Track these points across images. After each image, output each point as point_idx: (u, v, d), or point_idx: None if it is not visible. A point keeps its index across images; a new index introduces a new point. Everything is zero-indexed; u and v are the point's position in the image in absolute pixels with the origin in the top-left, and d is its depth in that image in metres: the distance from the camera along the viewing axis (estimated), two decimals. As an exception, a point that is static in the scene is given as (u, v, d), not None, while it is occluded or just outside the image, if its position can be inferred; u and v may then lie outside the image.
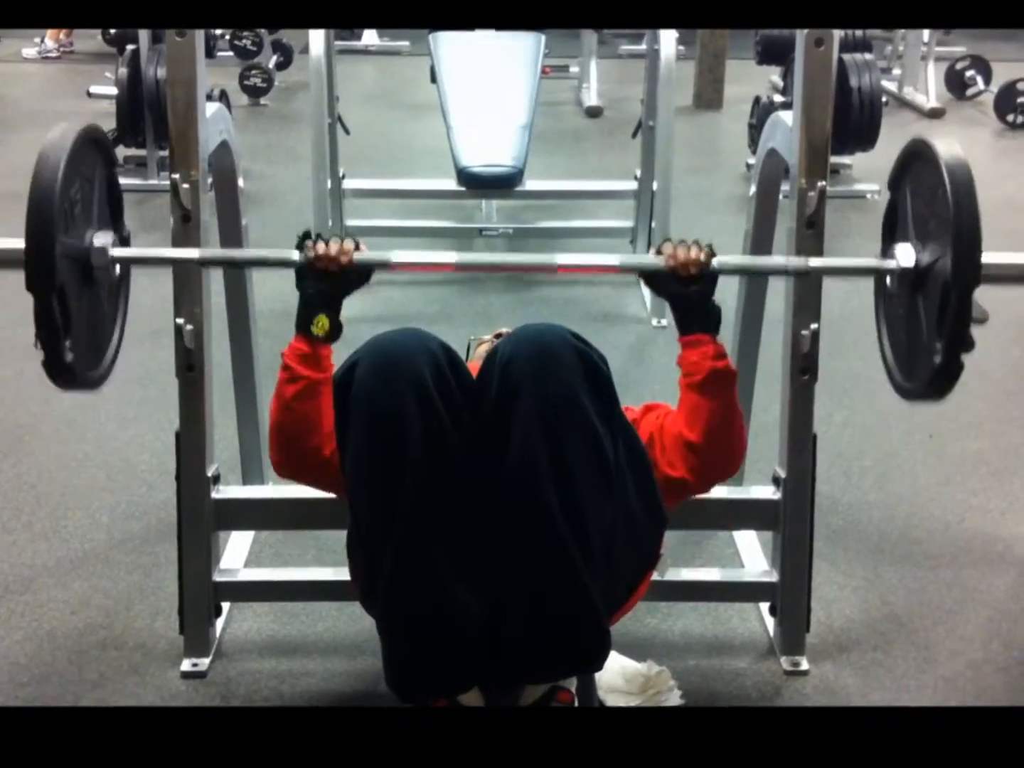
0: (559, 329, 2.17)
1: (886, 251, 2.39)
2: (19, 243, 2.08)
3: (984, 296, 2.15)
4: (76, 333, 2.16)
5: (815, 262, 2.51)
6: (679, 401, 2.41)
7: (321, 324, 2.32)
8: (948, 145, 2.17)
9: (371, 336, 2.22)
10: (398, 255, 2.40)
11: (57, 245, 2.07)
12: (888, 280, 2.36)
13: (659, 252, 2.38)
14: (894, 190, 2.42)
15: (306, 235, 2.36)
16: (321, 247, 2.32)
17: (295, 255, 2.34)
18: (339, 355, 2.32)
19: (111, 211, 2.40)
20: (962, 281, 2.10)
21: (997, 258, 2.21)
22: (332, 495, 2.39)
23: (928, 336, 2.18)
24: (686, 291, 2.37)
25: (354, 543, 2.29)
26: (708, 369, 2.35)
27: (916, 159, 2.31)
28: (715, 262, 2.35)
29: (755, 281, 3.10)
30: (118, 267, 2.36)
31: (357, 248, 2.34)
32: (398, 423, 2.09)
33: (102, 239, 2.28)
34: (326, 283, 2.33)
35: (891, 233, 2.42)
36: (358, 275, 2.36)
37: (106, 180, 2.37)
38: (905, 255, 2.28)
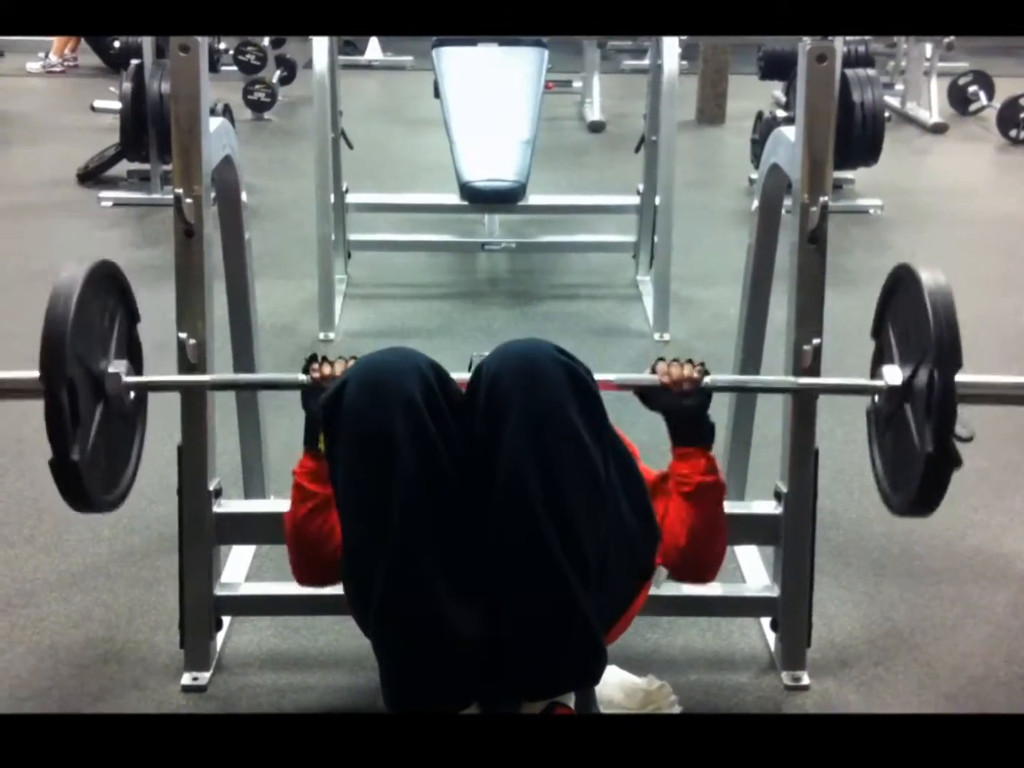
0: (544, 345, 2.18)
1: (875, 372, 2.51)
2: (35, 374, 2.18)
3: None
4: (86, 441, 2.24)
5: (805, 381, 2.61)
6: (671, 503, 2.49)
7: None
8: (928, 270, 2.29)
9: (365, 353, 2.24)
10: None
11: (69, 342, 2.15)
12: (877, 398, 2.47)
13: (654, 370, 2.49)
14: (879, 321, 2.54)
15: (312, 358, 2.45)
16: (327, 369, 2.40)
17: (302, 378, 2.43)
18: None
19: (128, 345, 2.50)
20: (944, 364, 2.18)
21: (976, 378, 2.31)
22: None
23: (918, 435, 2.26)
24: (681, 405, 2.47)
25: (346, 564, 2.29)
26: (697, 483, 2.45)
27: (895, 288, 2.45)
28: (707, 380, 2.46)
29: (757, 294, 3.11)
30: (133, 394, 2.45)
31: None
32: (388, 442, 2.09)
33: (117, 366, 2.38)
34: None
35: (879, 358, 2.53)
36: None
37: (124, 317, 2.47)
38: (892, 374, 2.39)
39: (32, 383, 2.17)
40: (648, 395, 2.52)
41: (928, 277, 2.25)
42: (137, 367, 2.50)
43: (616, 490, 2.24)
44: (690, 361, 2.49)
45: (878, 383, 2.42)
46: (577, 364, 2.17)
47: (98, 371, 2.32)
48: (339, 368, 2.38)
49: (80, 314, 2.18)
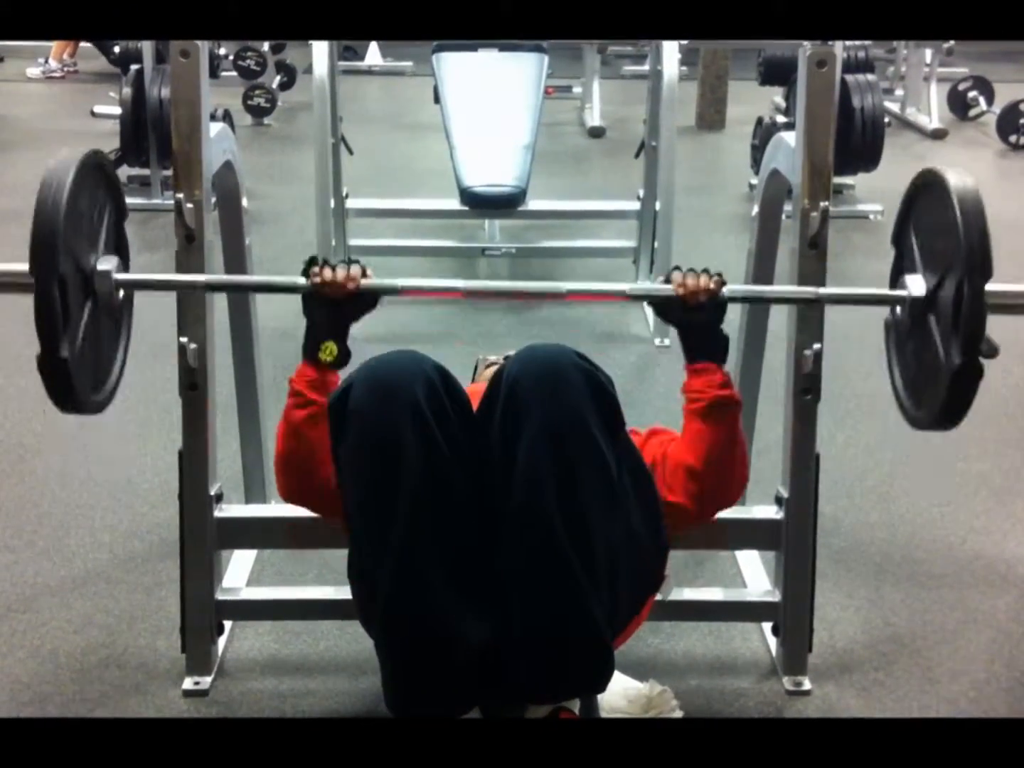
0: (566, 350, 2.17)
1: (895, 284, 2.41)
2: (23, 266, 2.10)
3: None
4: (75, 338, 2.18)
5: (825, 291, 2.51)
6: (683, 428, 2.42)
7: (328, 350, 2.33)
8: (956, 173, 2.20)
9: (368, 358, 2.22)
10: (406, 281, 2.42)
11: (61, 238, 2.09)
12: (899, 310, 2.38)
13: (668, 280, 2.39)
14: (900, 227, 2.44)
15: (312, 260, 2.36)
16: (328, 273, 2.33)
17: (301, 281, 2.35)
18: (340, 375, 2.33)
19: (116, 240, 2.42)
20: (974, 273, 2.10)
21: (1005, 287, 2.22)
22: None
23: (944, 350, 2.17)
24: (694, 319, 2.38)
25: (352, 567, 2.29)
26: (712, 397, 2.36)
27: (922, 190, 2.34)
28: (724, 291, 2.37)
29: (757, 301, 3.11)
30: (121, 292, 2.38)
31: (364, 274, 2.35)
32: (393, 446, 2.08)
33: (106, 263, 2.30)
34: (332, 310, 2.35)
35: (899, 267, 2.43)
36: (365, 301, 2.37)
37: (112, 211, 2.40)
38: (916, 284, 2.30)
39: (21, 276, 2.11)
40: (662, 307, 2.44)
41: (956, 181, 2.17)
42: (125, 263, 2.43)
43: (629, 499, 2.23)
44: (706, 270, 2.39)
45: (901, 293, 2.33)
46: (598, 371, 2.16)
47: (88, 267, 2.26)
48: (340, 273, 2.33)
49: (71, 207, 2.13)
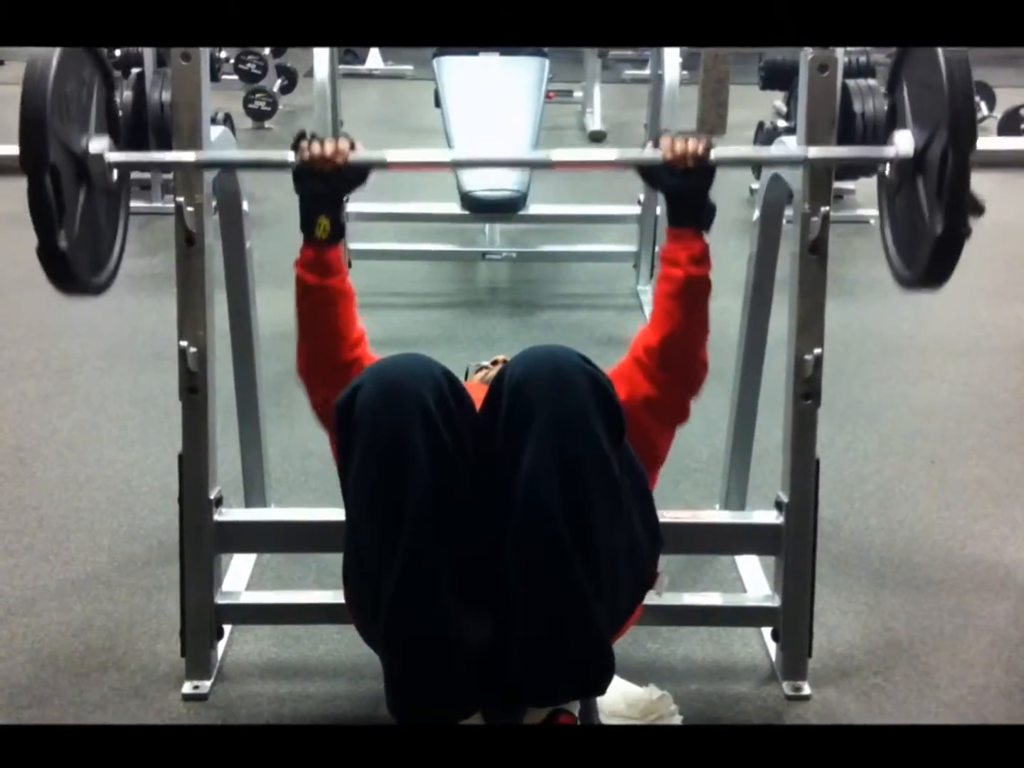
0: (570, 352, 2.16)
1: (887, 137, 2.42)
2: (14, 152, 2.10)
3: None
4: (72, 225, 2.18)
5: (815, 152, 2.51)
6: (653, 306, 2.45)
7: (323, 226, 2.37)
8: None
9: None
10: (393, 155, 2.47)
11: (49, 125, 2.08)
12: (888, 169, 2.40)
13: (656, 145, 2.42)
14: (893, 77, 2.45)
15: (301, 135, 2.40)
16: (316, 148, 2.37)
17: (290, 156, 2.38)
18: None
19: (108, 121, 2.42)
20: (959, 140, 2.10)
21: (991, 146, 2.23)
22: (336, 518, 2.38)
23: (929, 212, 2.18)
24: (682, 184, 2.40)
25: (351, 570, 2.29)
26: (685, 276, 2.39)
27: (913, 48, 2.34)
28: (713, 154, 2.39)
29: (759, 304, 3.10)
30: (115, 173, 2.38)
31: (353, 147, 2.41)
32: (401, 448, 2.08)
33: (98, 145, 2.31)
34: (323, 183, 2.39)
35: (892, 119, 2.44)
36: (354, 175, 2.43)
37: (101, 85, 2.39)
38: (904, 141, 2.31)
39: (10, 160, 2.11)
40: (650, 173, 2.46)
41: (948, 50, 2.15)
42: (117, 140, 2.42)
43: (629, 500, 2.24)
44: (694, 133, 2.41)
45: (890, 153, 2.35)
46: (600, 373, 2.15)
47: (80, 151, 2.25)
48: (328, 148, 2.37)
49: (58, 91, 2.10)
